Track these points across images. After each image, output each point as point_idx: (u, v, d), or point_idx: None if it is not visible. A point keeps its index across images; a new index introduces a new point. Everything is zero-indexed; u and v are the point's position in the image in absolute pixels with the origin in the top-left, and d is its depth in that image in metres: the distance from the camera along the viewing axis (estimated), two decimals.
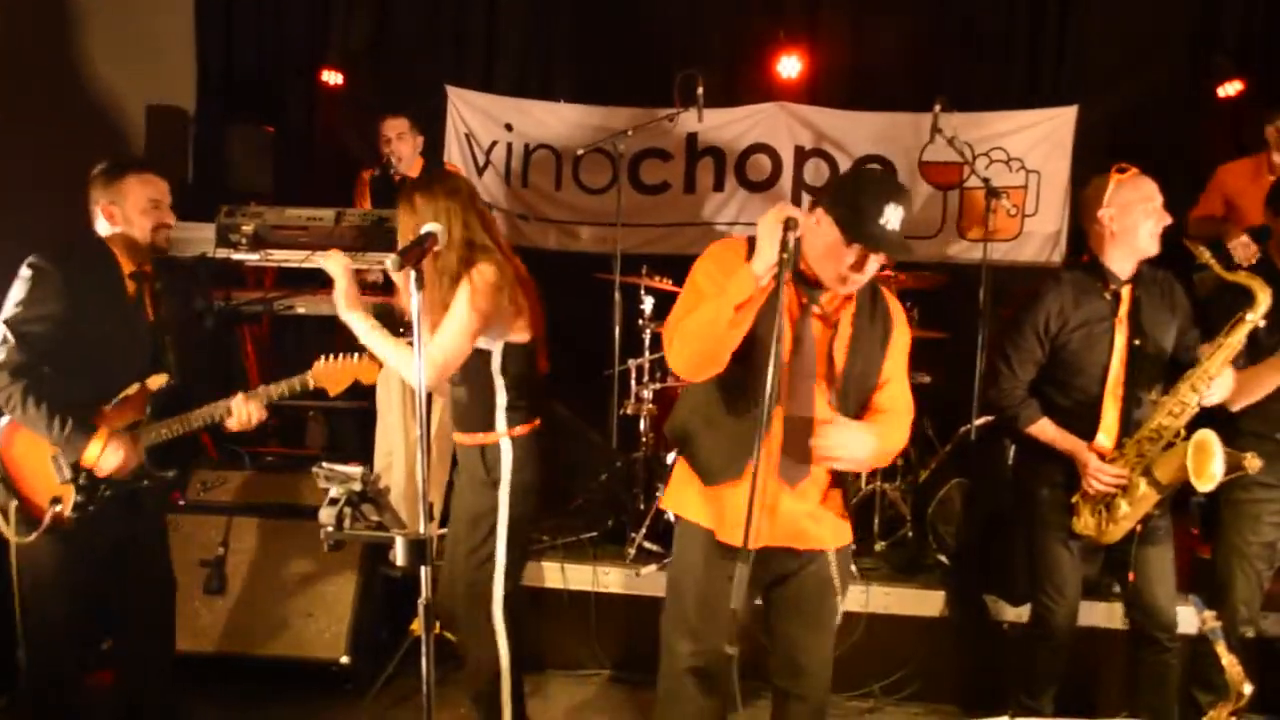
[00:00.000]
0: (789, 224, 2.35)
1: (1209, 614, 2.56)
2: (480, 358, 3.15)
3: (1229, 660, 2.53)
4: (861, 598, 4.30)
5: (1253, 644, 3.77)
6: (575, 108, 6.44)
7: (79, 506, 3.12)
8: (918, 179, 6.22)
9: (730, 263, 2.57)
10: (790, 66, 6.24)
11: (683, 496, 2.83)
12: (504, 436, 3.18)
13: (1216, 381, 3.24)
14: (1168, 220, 3.32)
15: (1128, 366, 3.36)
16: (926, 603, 4.34)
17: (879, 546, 4.76)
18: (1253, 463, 3.14)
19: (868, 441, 2.58)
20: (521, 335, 3.19)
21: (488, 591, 3.19)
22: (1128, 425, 3.37)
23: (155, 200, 3.28)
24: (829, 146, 6.26)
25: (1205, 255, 3.31)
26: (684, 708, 2.81)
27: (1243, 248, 4.65)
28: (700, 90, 4.96)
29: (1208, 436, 3.14)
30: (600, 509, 4.77)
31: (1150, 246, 3.33)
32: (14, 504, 3.12)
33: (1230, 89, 5.99)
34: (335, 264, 3.18)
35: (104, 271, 3.23)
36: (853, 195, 2.51)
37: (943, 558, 4.56)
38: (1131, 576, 3.44)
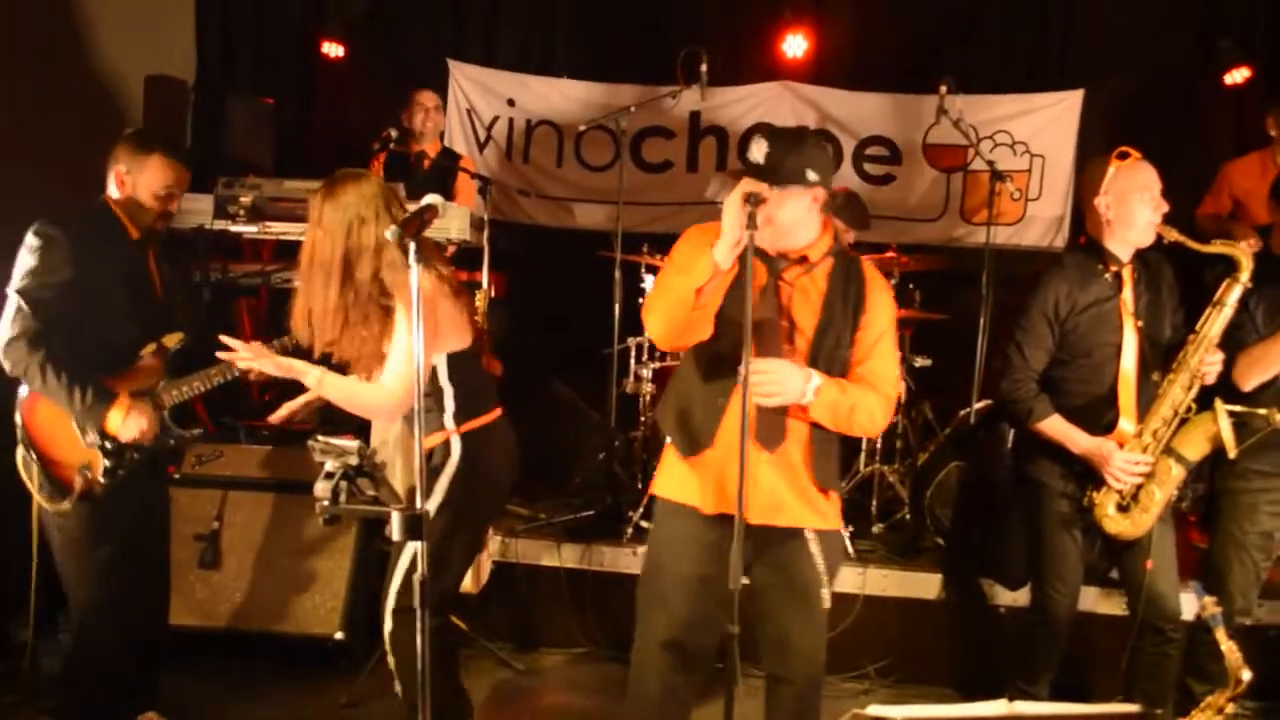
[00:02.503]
0: (751, 199, 2.37)
1: (1209, 599, 2.55)
2: (430, 370, 3.04)
3: (1228, 647, 2.52)
4: (858, 579, 4.30)
5: (1248, 632, 3.76)
6: (578, 84, 6.41)
7: (109, 471, 3.15)
8: (922, 161, 6.20)
9: (704, 246, 2.59)
10: (795, 45, 6.19)
11: (667, 478, 2.85)
12: (454, 434, 3.09)
13: (1218, 361, 3.27)
14: (1165, 208, 3.28)
15: (1140, 348, 3.33)
16: (923, 585, 4.33)
17: (877, 529, 4.76)
18: (1275, 416, 3.19)
19: (798, 377, 2.58)
20: (461, 344, 3.08)
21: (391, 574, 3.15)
22: (1144, 407, 3.33)
23: (170, 188, 3.27)
24: (833, 127, 6.23)
25: (1174, 234, 3.27)
26: (655, 682, 2.81)
27: (1249, 247, 4.60)
28: (704, 68, 4.90)
29: (1222, 404, 3.19)
30: (598, 488, 4.75)
31: (1146, 236, 3.30)
32: (38, 470, 3.13)
33: (1237, 76, 5.95)
34: (253, 361, 3.05)
35: (111, 236, 3.23)
36: (795, 155, 2.62)
37: (940, 540, 4.56)
38: (1150, 564, 3.39)
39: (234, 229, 4.72)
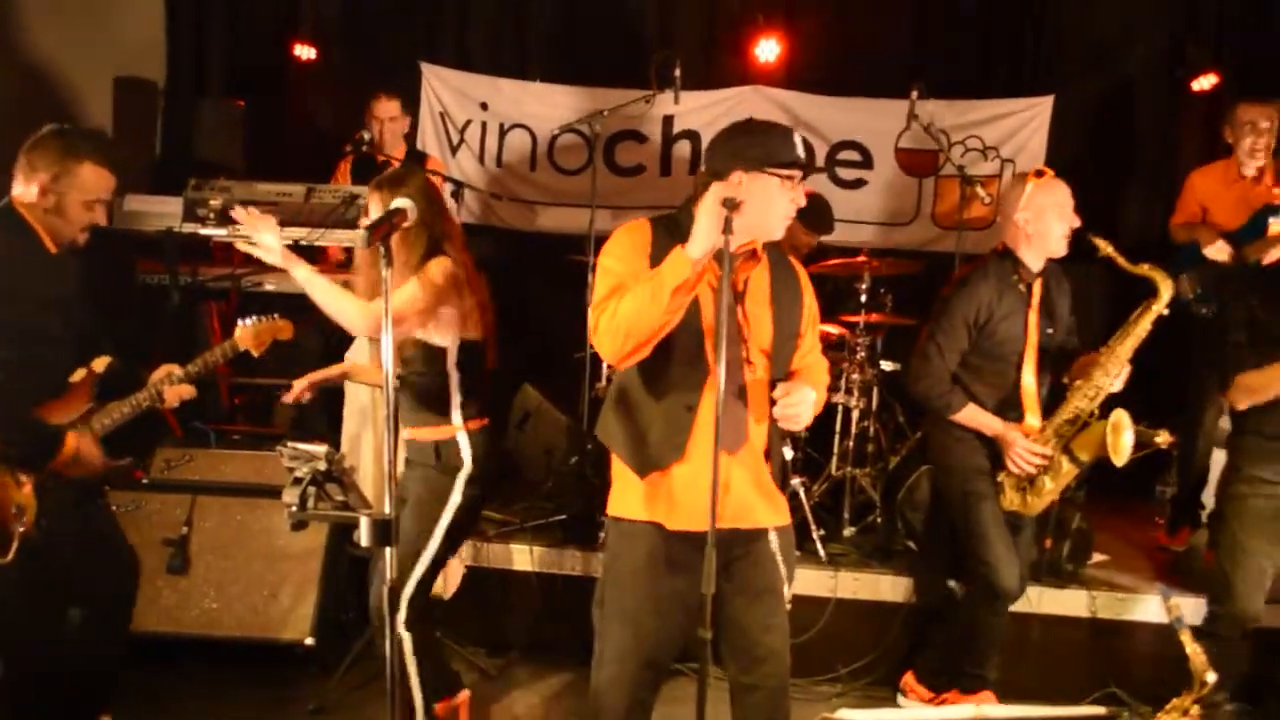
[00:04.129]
0: (729, 204, 2.34)
1: (1173, 602, 2.58)
2: (437, 354, 3.22)
3: (1193, 649, 2.54)
4: (830, 582, 4.32)
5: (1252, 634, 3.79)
6: (551, 87, 6.39)
7: (45, 512, 3.01)
8: (894, 165, 6.23)
9: (640, 246, 2.60)
10: (768, 50, 6.21)
11: (626, 497, 2.75)
12: (460, 430, 3.22)
13: (1124, 373, 3.52)
14: (1076, 223, 3.57)
15: (1040, 352, 3.63)
16: (894, 588, 4.36)
17: (848, 532, 4.77)
18: (1164, 438, 3.44)
19: (813, 397, 2.63)
20: (474, 334, 3.26)
21: (404, 582, 3.18)
22: (1047, 407, 3.65)
23: (100, 199, 3.06)
24: (805, 131, 6.22)
25: (1107, 248, 3.51)
26: (624, 699, 2.76)
27: (1217, 252, 4.65)
28: (677, 72, 4.92)
29: (1122, 416, 3.42)
30: (570, 492, 4.74)
31: (1059, 248, 3.61)
32: None
33: (1205, 83, 6.02)
34: (252, 218, 3.13)
35: (28, 253, 3.00)
36: (762, 141, 2.60)
37: (911, 544, 4.58)
38: (1049, 542, 3.97)
39: (203, 232, 4.68)
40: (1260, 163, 4.77)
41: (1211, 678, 2.53)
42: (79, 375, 3.15)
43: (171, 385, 3.23)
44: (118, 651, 3.42)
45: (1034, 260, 3.63)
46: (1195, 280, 4.59)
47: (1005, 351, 3.63)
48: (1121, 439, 3.41)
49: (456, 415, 3.22)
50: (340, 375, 3.65)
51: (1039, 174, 3.62)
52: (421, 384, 3.24)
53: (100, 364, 3.19)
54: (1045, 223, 3.57)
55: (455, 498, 3.22)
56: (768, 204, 2.60)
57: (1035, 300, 3.64)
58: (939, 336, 3.65)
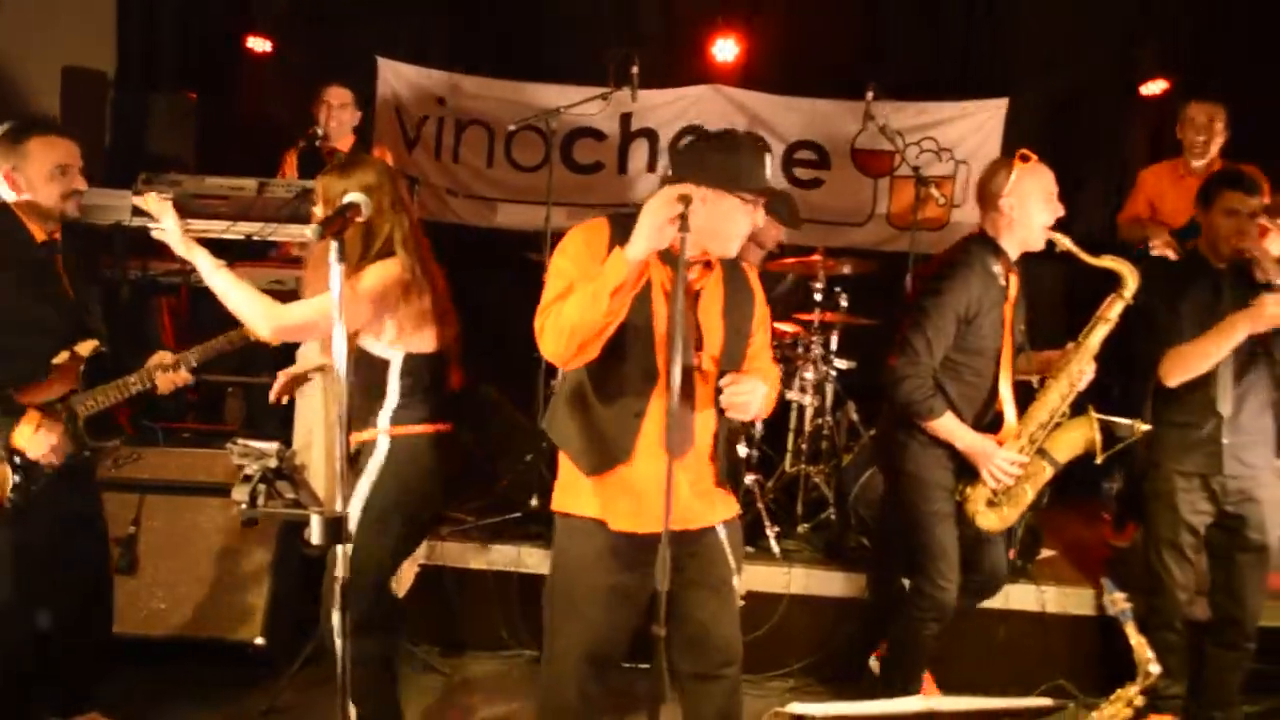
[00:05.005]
0: (686, 201, 2.34)
1: (1119, 595, 2.61)
2: (377, 364, 3.05)
3: (1137, 641, 2.58)
4: (784, 579, 4.34)
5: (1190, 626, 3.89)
6: (509, 84, 6.38)
7: (18, 488, 3.02)
8: (850, 166, 6.28)
9: (595, 246, 2.58)
10: (726, 49, 6.24)
11: (574, 494, 2.76)
12: (382, 434, 3.06)
13: (1090, 372, 3.42)
14: (1060, 213, 3.40)
15: (1014, 350, 3.50)
16: (848, 584, 4.38)
17: (802, 529, 4.80)
18: (1140, 427, 3.35)
19: (763, 389, 2.64)
20: (424, 346, 3.07)
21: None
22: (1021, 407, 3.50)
23: (62, 165, 3.12)
24: (762, 130, 6.25)
25: (1066, 243, 3.38)
26: (574, 693, 2.77)
27: (1164, 247, 4.75)
28: (635, 70, 4.92)
29: (1093, 412, 3.37)
30: (525, 490, 4.73)
31: (1039, 240, 3.41)
32: None
33: (1155, 87, 6.12)
34: (153, 202, 3.09)
35: (13, 241, 3.09)
36: (732, 160, 2.57)
37: (864, 540, 4.61)
38: (1012, 554, 3.78)
39: (153, 226, 4.60)
40: (1208, 159, 4.86)
41: (1155, 669, 2.57)
42: (62, 358, 3.14)
43: (165, 372, 3.21)
44: (100, 639, 3.47)
45: (1013, 248, 3.44)
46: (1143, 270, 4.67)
47: (986, 348, 3.45)
48: (1098, 435, 3.36)
49: (384, 419, 3.06)
50: (316, 370, 3.54)
51: (1024, 158, 3.39)
52: (359, 392, 3.07)
53: (86, 348, 3.18)
54: (1029, 210, 3.36)
55: (356, 503, 3.01)
56: (728, 222, 2.60)
57: (1012, 294, 3.47)
58: (929, 331, 3.38)
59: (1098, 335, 3.41)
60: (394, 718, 3.27)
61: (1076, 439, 3.42)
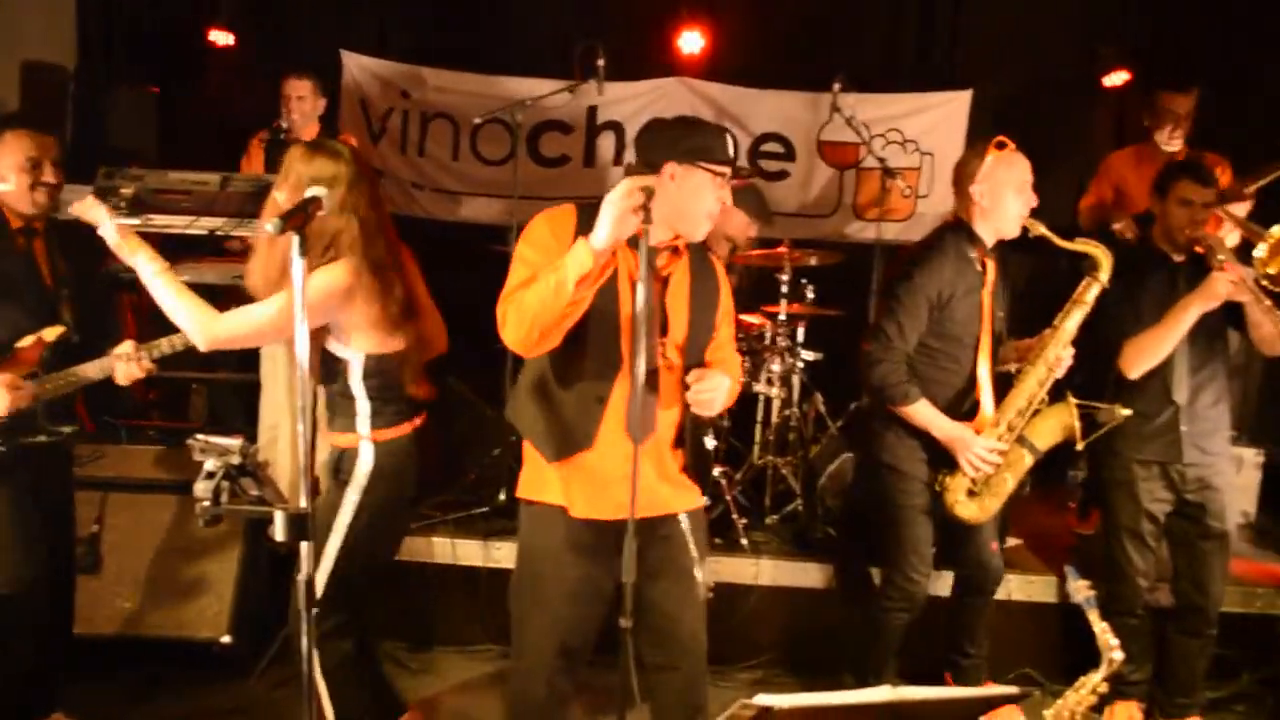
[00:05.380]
0: (648, 192, 2.34)
1: (1082, 583, 2.63)
2: (339, 366, 3.01)
3: (1100, 628, 2.60)
4: (752, 570, 4.36)
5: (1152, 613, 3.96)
6: (475, 77, 6.32)
7: None
8: (816, 158, 6.29)
9: (561, 234, 2.58)
10: (691, 42, 6.23)
11: (538, 481, 2.77)
12: (365, 440, 3.02)
13: (1068, 357, 3.42)
14: (1034, 203, 3.42)
15: (994, 337, 3.52)
16: (815, 575, 4.40)
17: (770, 520, 4.81)
18: (1120, 412, 3.37)
19: (727, 385, 2.66)
20: (385, 347, 3.01)
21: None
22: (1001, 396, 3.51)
23: (33, 159, 3.18)
24: (729, 123, 6.23)
25: (1040, 228, 3.40)
26: (543, 687, 2.78)
27: (1127, 229, 4.83)
28: (601, 62, 4.90)
29: (1072, 399, 3.36)
30: (492, 484, 4.72)
31: (1013, 228, 3.44)
32: None
33: (1116, 79, 6.18)
34: (88, 208, 3.10)
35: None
36: (698, 137, 2.63)
37: (831, 530, 4.63)
38: (995, 546, 3.69)
39: (115, 221, 4.55)
40: (1176, 148, 4.92)
41: (1118, 655, 2.59)
42: (27, 341, 3.17)
43: (128, 362, 3.18)
44: (64, 638, 3.49)
45: (988, 235, 3.47)
46: None
47: (962, 334, 3.47)
48: (1078, 421, 3.38)
49: (364, 425, 3.02)
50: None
51: (1000, 145, 3.42)
52: (327, 394, 3.06)
53: (52, 333, 3.20)
54: (1002, 198, 3.39)
55: (345, 514, 3.00)
56: (696, 198, 2.62)
57: (989, 280, 3.49)
58: (901, 316, 3.41)
59: (1074, 319, 3.43)
60: (365, 714, 3.26)
61: (1055, 426, 3.43)
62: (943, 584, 4.01)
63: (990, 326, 3.50)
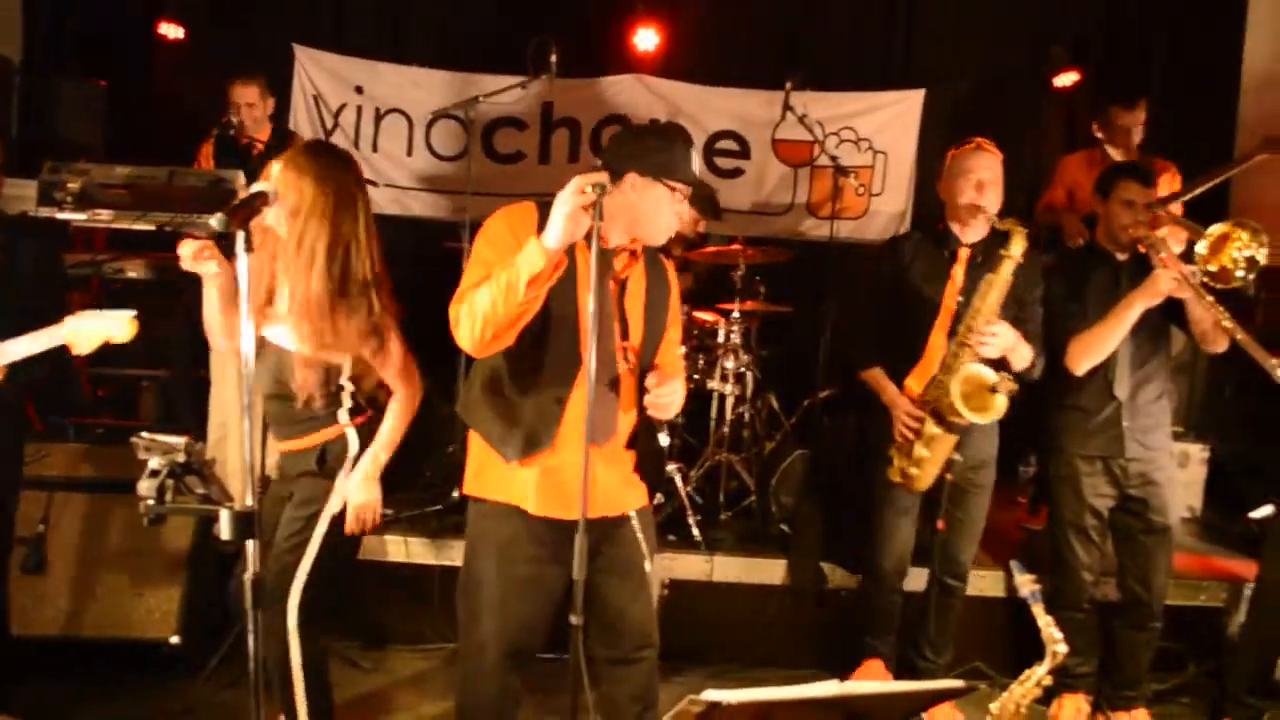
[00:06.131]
0: (600, 189, 2.33)
1: (1027, 577, 2.66)
2: (335, 370, 2.97)
3: (1045, 622, 2.63)
4: (706, 567, 4.37)
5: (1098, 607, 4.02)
6: (429, 72, 6.31)
7: None
8: (771, 156, 6.32)
9: (520, 231, 2.56)
10: (647, 39, 6.24)
11: (485, 479, 2.76)
12: (348, 428, 3.02)
13: (1001, 331, 3.44)
14: (977, 198, 3.55)
15: (952, 321, 3.59)
16: (769, 571, 4.43)
17: (724, 516, 4.84)
18: (1007, 383, 3.39)
19: (682, 389, 2.71)
20: None
21: (289, 581, 3.04)
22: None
23: None
24: (684, 120, 6.25)
25: (982, 206, 3.56)
26: (494, 686, 2.78)
27: (1073, 235, 4.91)
28: (554, 58, 4.89)
29: (972, 370, 3.42)
30: (447, 481, 4.70)
31: (966, 216, 3.61)
32: None
33: (1066, 79, 6.26)
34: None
35: None
36: (665, 152, 2.62)
37: (784, 527, 4.66)
38: (941, 525, 3.76)
39: (60, 216, 4.49)
40: (1130, 155, 5.00)
41: (1062, 649, 2.63)
42: None
43: None
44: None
45: (958, 228, 3.67)
46: (1052, 260, 4.78)
47: (916, 314, 3.64)
48: (981, 394, 3.43)
49: (344, 415, 3.02)
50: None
51: (963, 143, 3.68)
52: (310, 399, 2.98)
53: None
54: (952, 191, 3.63)
55: (334, 502, 3.01)
56: (656, 211, 2.64)
57: (957, 269, 3.64)
58: (860, 294, 3.89)
59: (992, 297, 3.46)
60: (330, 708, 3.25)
61: (950, 401, 3.46)
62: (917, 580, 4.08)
63: (952, 309, 3.60)
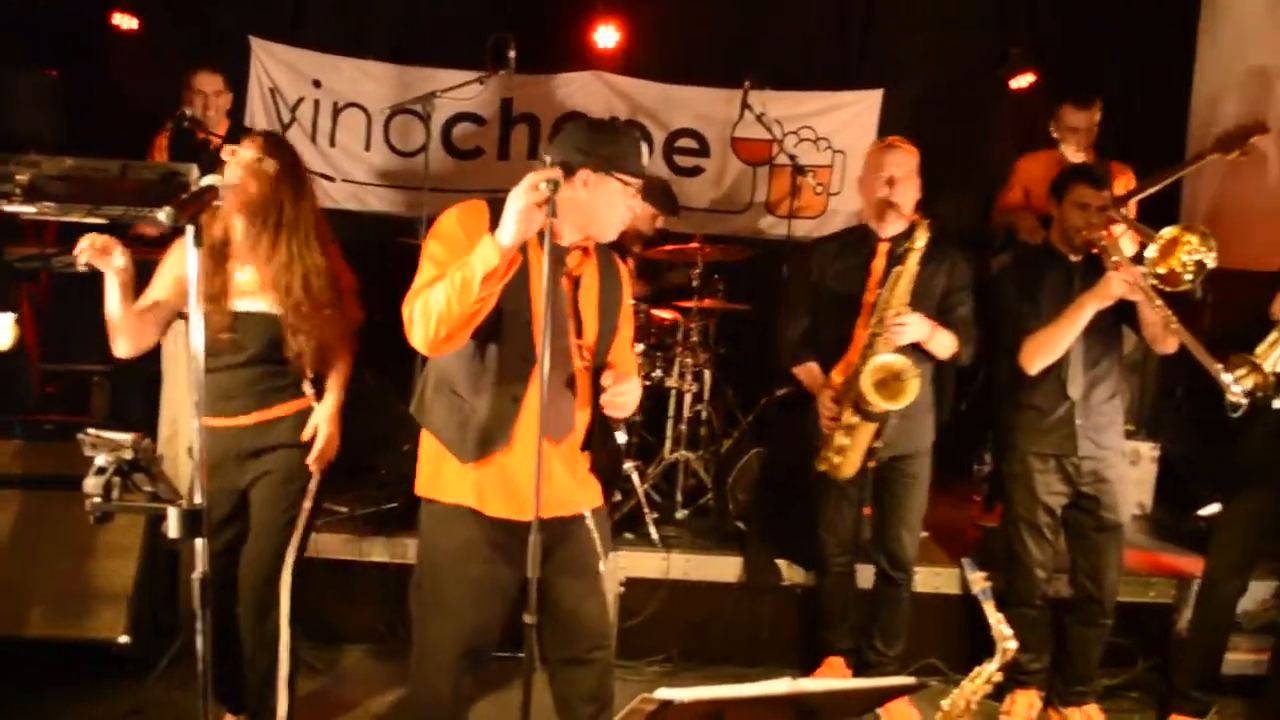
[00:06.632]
0: (553, 185, 2.32)
1: (979, 575, 2.69)
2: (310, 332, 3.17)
3: (995, 619, 2.67)
4: (663, 564, 4.37)
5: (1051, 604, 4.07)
6: (388, 66, 6.26)
7: None
8: (730, 154, 6.33)
9: (471, 229, 2.55)
10: (607, 36, 6.22)
11: (439, 480, 2.75)
12: (314, 401, 3.22)
13: (911, 321, 3.55)
14: (884, 193, 3.70)
15: (869, 312, 3.67)
16: (725, 568, 4.43)
17: (681, 514, 4.85)
18: (910, 370, 3.50)
19: (638, 388, 2.73)
20: None
21: (282, 557, 3.11)
22: None
23: None
24: (644, 118, 6.29)
25: (893, 199, 3.72)
26: (447, 687, 2.77)
27: (1029, 233, 4.95)
28: (512, 54, 4.86)
29: (883, 359, 3.51)
30: (403, 479, 4.66)
31: (877, 212, 3.77)
32: None
33: (1023, 81, 6.32)
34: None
35: None
36: (614, 145, 2.63)
37: (742, 525, 4.67)
38: (868, 511, 3.97)
39: (8, 209, 4.38)
40: (1082, 159, 5.05)
41: (1012, 645, 2.66)
42: None
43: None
44: None
45: (876, 224, 3.80)
46: (1008, 260, 4.83)
47: (840, 309, 3.76)
48: (894, 381, 3.52)
49: (309, 387, 3.21)
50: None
51: (882, 141, 3.87)
52: (275, 369, 3.16)
53: None
54: (866, 188, 3.83)
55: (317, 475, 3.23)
56: (610, 206, 2.64)
57: (878, 262, 3.73)
58: (792, 298, 3.99)
59: (902, 287, 3.58)
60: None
61: (859, 389, 3.54)
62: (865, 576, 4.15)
63: (870, 301, 3.68)
